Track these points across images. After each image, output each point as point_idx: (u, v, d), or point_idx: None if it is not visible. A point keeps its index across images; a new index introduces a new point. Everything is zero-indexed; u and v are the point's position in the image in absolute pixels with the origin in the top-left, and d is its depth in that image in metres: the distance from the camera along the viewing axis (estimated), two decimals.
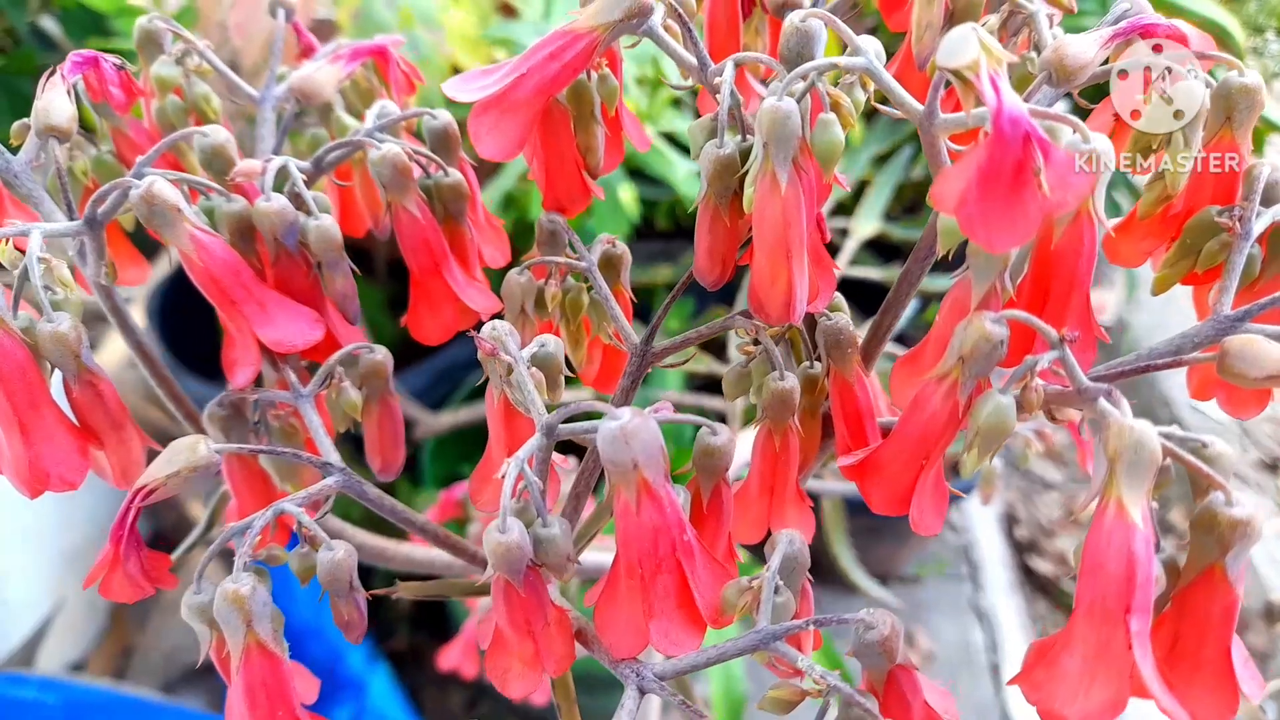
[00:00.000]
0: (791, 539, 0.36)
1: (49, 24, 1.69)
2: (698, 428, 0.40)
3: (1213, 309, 0.38)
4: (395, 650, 1.58)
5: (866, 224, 1.48)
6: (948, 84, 0.33)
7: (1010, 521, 2.09)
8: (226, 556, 0.37)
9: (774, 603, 0.35)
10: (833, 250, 1.54)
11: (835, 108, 0.36)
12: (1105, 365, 0.38)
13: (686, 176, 1.15)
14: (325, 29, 1.41)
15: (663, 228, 1.67)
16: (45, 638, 1.53)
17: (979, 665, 1.79)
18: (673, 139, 1.23)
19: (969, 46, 0.29)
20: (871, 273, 1.49)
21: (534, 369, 0.39)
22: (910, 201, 1.72)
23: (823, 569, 1.62)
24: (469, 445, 1.57)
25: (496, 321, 0.39)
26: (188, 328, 1.39)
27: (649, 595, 0.35)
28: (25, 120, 0.46)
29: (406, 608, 1.57)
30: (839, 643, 1.73)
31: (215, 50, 1.36)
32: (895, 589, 1.82)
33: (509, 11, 1.36)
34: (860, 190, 1.54)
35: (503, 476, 0.34)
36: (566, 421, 0.36)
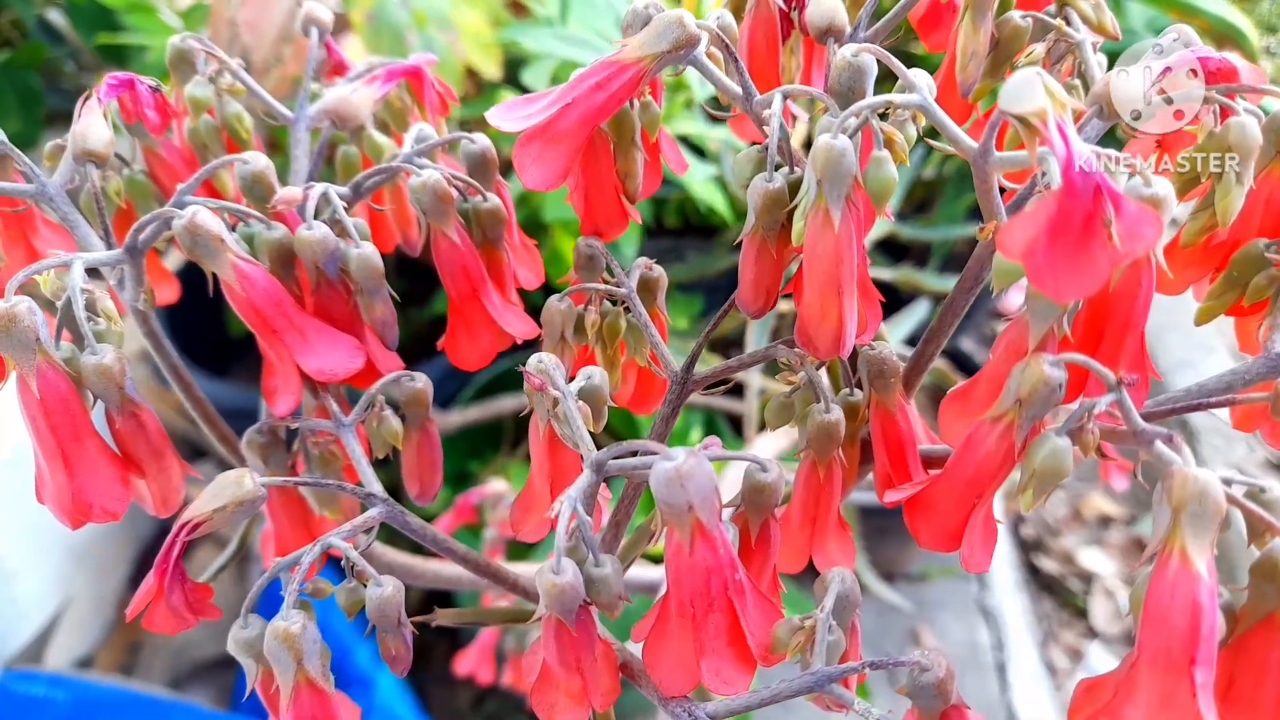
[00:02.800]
0: (843, 578, 0.36)
1: (56, 17, 1.68)
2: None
3: (1263, 346, 0.38)
4: None
5: (877, 224, 1.48)
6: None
7: (1016, 520, 2.09)
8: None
9: (827, 642, 0.35)
10: None
11: (889, 144, 0.36)
12: (1159, 398, 0.38)
13: (701, 180, 1.14)
14: (336, 22, 1.40)
15: (672, 225, 1.67)
16: (53, 634, 1.53)
17: (985, 664, 1.79)
18: (687, 141, 1.23)
19: (1035, 93, 0.29)
20: (882, 273, 1.48)
21: (580, 402, 0.39)
22: (920, 200, 1.72)
23: None
24: (479, 442, 1.57)
25: (543, 355, 0.39)
26: (194, 323, 1.39)
27: (700, 634, 0.35)
28: (59, 141, 0.46)
29: (414, 606, 1.57)
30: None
31: (225, 47, 1.35)
32: (902, 588, 1.82)
33: (520, 10, 1.36)
34: None
35: (555, 515, 0.34)
36: (616, 458, 0.36)
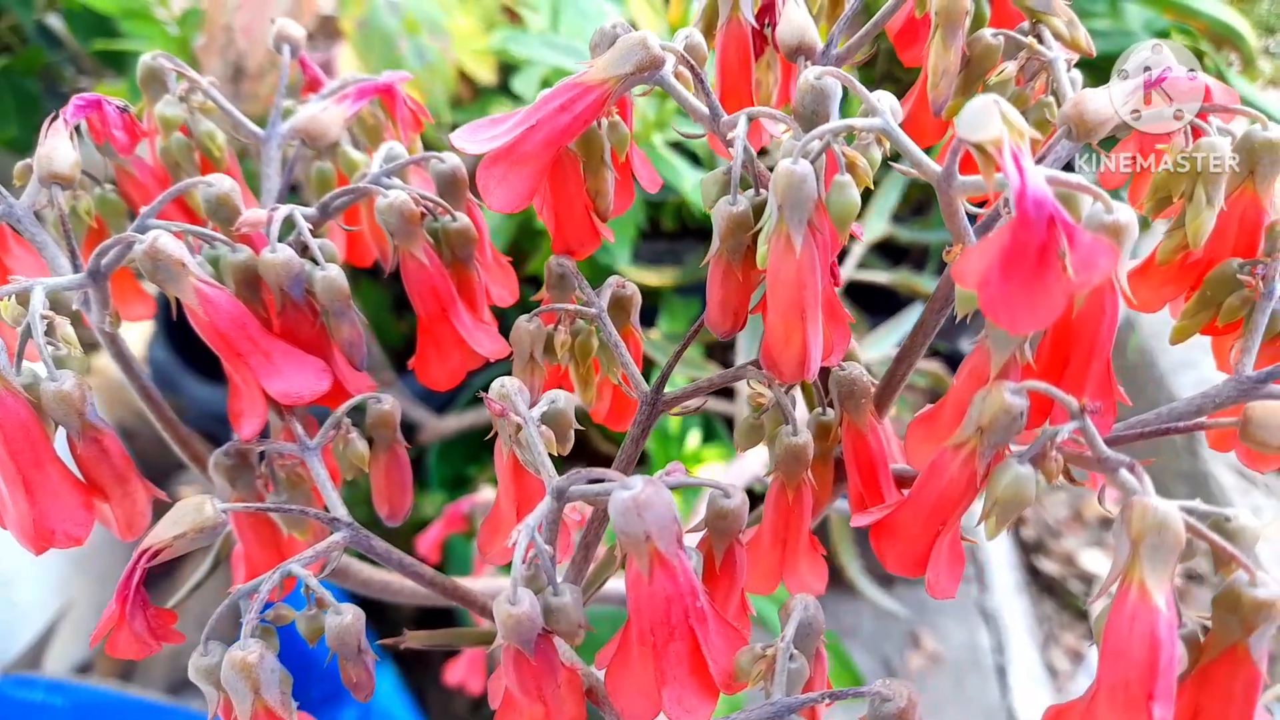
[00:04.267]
0: (805, 605, 0.36)
1: (55, 22, 1.68)
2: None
3: (1234, 368, 0.38)
4: (400, 651, 1.58)
5: (874, 227, 1.47)
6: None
7: (1016, 522, 2.08)
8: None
9: (788, 670, 0.34)
10: (841, 254, 1.53)
11: (851, 168, 0.35)
12: (1130, 421, 0.38)
13: (695, 185, 1.14)
14: (328, 26, 1.40)
15: (668, 228, 1.66)
16: (52, 640, 1.54)
17: (985, 667, 1.79)
18: (680, 147, 1.22)
19: (991, 121, 0.28)
20: (879, 276, 1.48)
21: (544, 426, 0.38)
22: (917, 203, 1.71)
23: (829, 575, 1.61)
24: (474, 447, 1.57)
25: (504, 379, 0.38)
26: (192, 330, 1.39)
27: (661, 662, 0.35)
28: (28, 161, 0.45)
29: (412, 610, 1.58)
30: (851, 645, 1.73)
31: (220, 53, 1.35)
32: (900, 590, 1.81)
33: (514, 17, 1.35)
34: (867, 192, 1.52)
35: (513, 545, 0.33)
36: (579, 484, 0.35)
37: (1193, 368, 1.96)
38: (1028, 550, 2.05)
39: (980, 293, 0.27)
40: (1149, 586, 0.29)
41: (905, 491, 0.43)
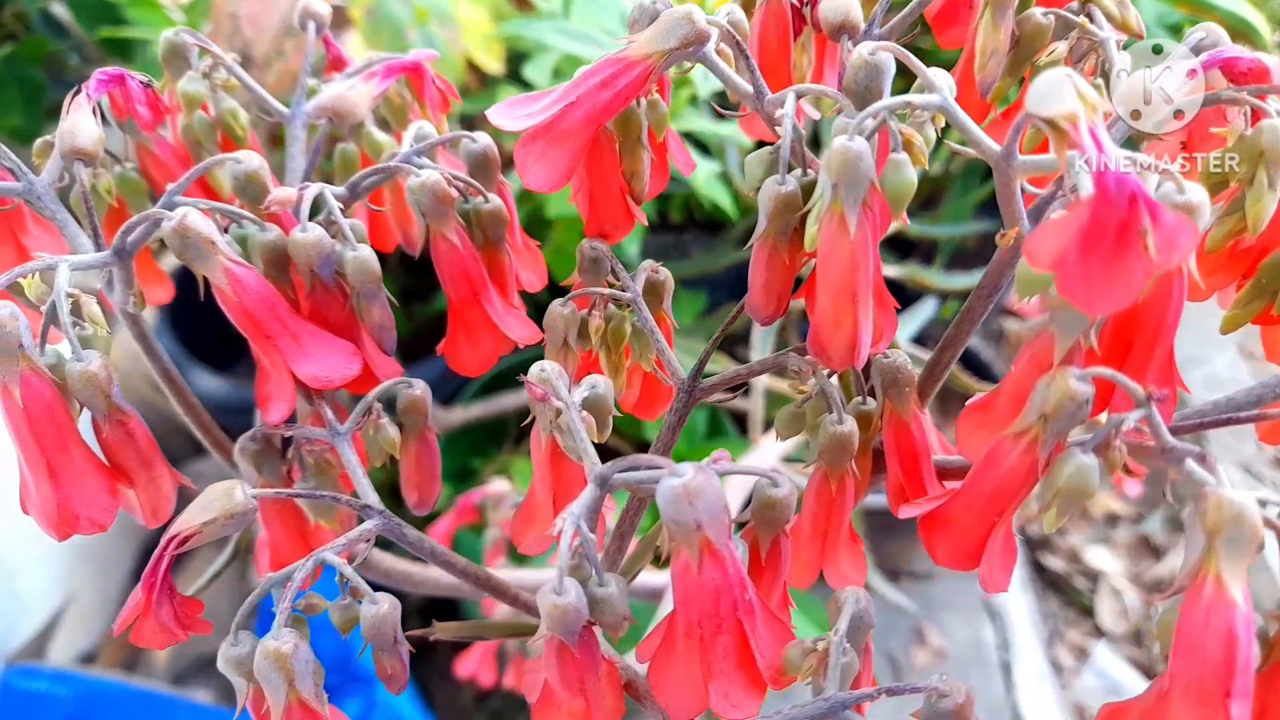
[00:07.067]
0: (858, 598, 0.34)
1: (59, 10, 1.67)
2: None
3: None
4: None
5: None
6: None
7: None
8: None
9: (840, 665, 0.33)
10: None
11: (907, 146, 0.34)
12: (1186, 411, 0.37)
13: (706, 176, 1.12)
14: (335, 15, 1.38)
15: (676, 221, 1.65)
16: (56, 630, 1.53)
17: (990, 663, 1.78)
18: (692, 137, 1.21)
19: (1065, 95, 0.27)
20: (888, 270, 1.47)
21: (584, 412, 0.37)
22: (927, 196, 1.70)
23: None
24: (480, 439, 1.55)
25: (545, 363, 0.37)
26: (197, 318, 1.37)
27: (708, 655, 0.33)
28: (48, 138, 0.44)
29: (418, 602, 1.57)
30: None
31: (226, 41, 1.34)
32: (907, 586, 1.81)
33: (523, 4, 1.34)
34: None
35: (556, 533, 0.32)
36: (622, 470, 0.34)
37: (1203, 364, 1.95)
38: (1033, 546, 2.05)
39: (1057, 273, 0.26)
40: (1225, 580, 0.28)
41: (947, 484, 0.42)
